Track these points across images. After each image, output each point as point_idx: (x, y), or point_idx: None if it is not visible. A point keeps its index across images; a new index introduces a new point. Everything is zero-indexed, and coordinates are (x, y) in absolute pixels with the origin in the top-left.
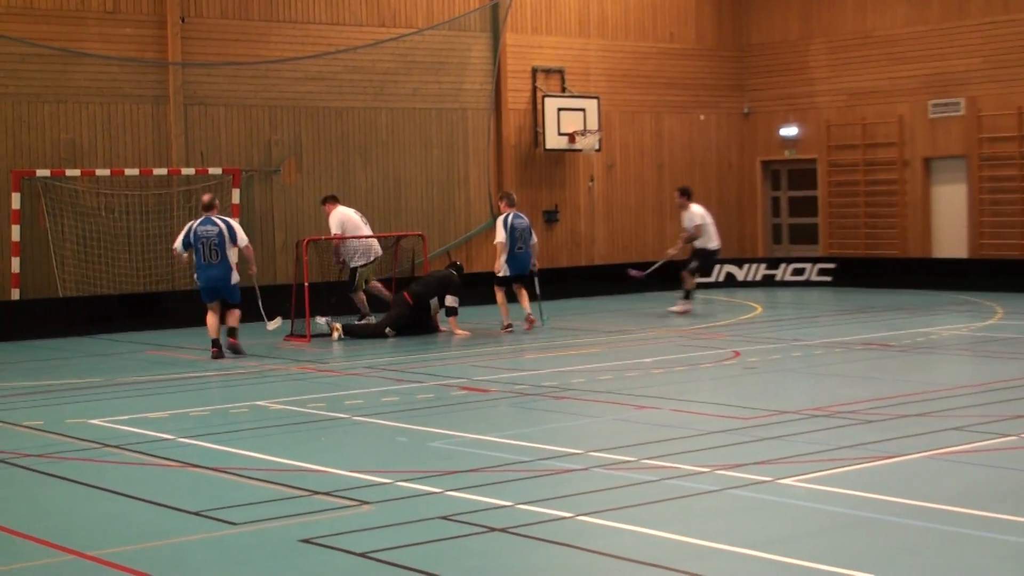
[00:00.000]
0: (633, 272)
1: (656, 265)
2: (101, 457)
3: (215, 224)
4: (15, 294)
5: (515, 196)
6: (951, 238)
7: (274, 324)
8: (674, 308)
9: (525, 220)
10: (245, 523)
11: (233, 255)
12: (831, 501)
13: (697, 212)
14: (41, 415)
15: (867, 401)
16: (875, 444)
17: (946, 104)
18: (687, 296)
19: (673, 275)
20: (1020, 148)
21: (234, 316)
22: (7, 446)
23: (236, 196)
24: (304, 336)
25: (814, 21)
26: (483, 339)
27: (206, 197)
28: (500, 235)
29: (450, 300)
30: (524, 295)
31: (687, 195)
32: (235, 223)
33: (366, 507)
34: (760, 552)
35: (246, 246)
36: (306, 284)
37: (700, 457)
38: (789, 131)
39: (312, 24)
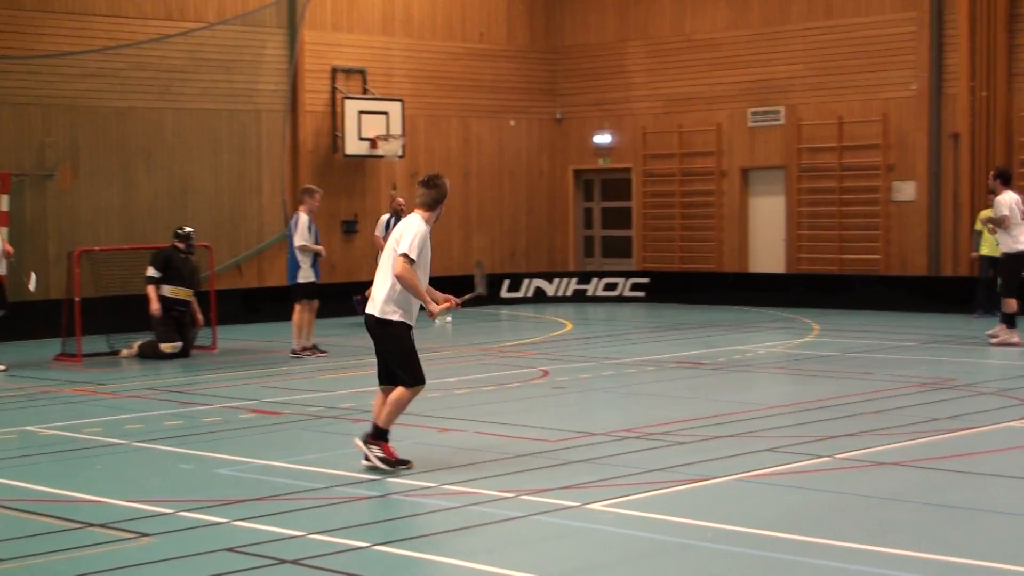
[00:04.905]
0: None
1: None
2: None
3: None
4: None
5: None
6: (768, 252)
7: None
8: (992, 335)
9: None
10: (11, 559)
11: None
12: (641, 527)
13: (1007, 201)
14: None
15: (679, 422)
16: (687, 466)
17: (766, 112)
18: (1010, 323)
19: None
20: (840, 159)
21: None
22: None
23: (5, 203)
24: (75, 356)
25: (631, 22)
26: (275, 358)
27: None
28: (300, 237)
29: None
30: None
31: (1003, 179)
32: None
33: (145, 539)
34: None
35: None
36: (77, 299)
37: (505, 482)
38: (603, 138)
39: (92, 16)
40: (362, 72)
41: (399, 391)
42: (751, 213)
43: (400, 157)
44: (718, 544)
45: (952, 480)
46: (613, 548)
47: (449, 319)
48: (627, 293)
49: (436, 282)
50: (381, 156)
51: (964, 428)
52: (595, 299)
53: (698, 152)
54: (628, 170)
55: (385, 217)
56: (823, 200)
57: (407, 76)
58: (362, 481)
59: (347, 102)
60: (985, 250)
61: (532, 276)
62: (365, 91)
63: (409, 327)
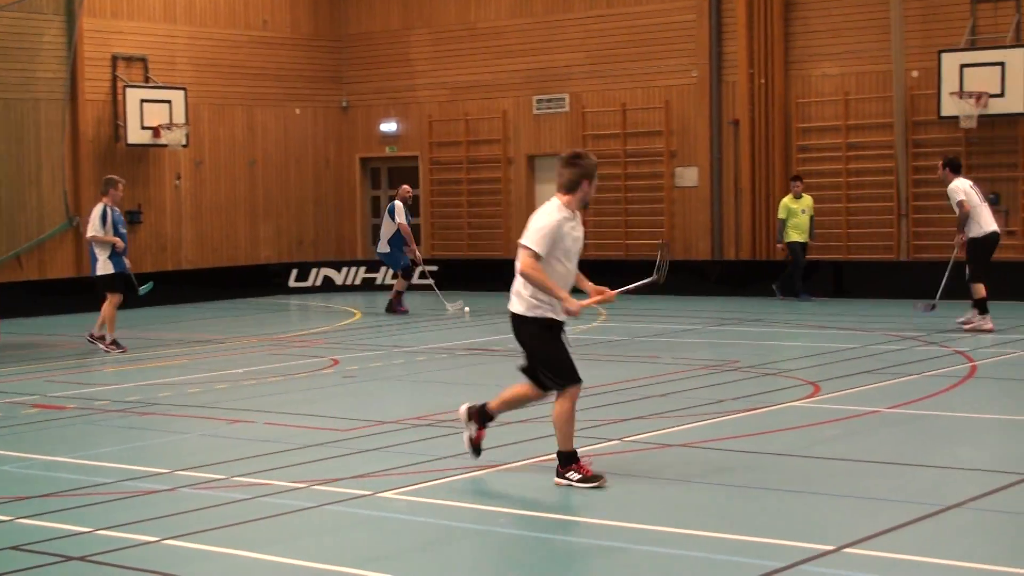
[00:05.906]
0: (920, 306)
1: (949, 266)
2: None
3: None
4: None
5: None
6: None
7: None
8: (965, 322)
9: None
10: None
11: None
12: (434, 514)
13: (960, 187)
14: None
15: None
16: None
17: (550, 100)
18: (982, 309)
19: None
20: (624, 146)
21: None
22: None
23: None
24: None
25: (415, 10)
26: (59, 352)
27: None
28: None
29: None
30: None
31: (951, 167)
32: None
33: None
34: (361, 570)
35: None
36: None
37: (296, 472)
38: (389, 126)
39: None
40: (144, 60)
41: (556, 406)
42: (538, 200)
43: (184, 146)
44: (511, 529)
45: (738, 460)
46: (406, 536)
47: (467, 308)
48: (416, 281)
49: (219, 273)
50: (164, 145)
51: (749, 409)
52: (384, 287)
53: (484, 140)
54: (415, 158)
55: (399, 204)
56: (608, 186)
57: (190, 64)
58: (150, 475)
59: (128, 90)
60: (794, 236)
61: (320, 265)
62: (147, 79)
63: (552, 322)
